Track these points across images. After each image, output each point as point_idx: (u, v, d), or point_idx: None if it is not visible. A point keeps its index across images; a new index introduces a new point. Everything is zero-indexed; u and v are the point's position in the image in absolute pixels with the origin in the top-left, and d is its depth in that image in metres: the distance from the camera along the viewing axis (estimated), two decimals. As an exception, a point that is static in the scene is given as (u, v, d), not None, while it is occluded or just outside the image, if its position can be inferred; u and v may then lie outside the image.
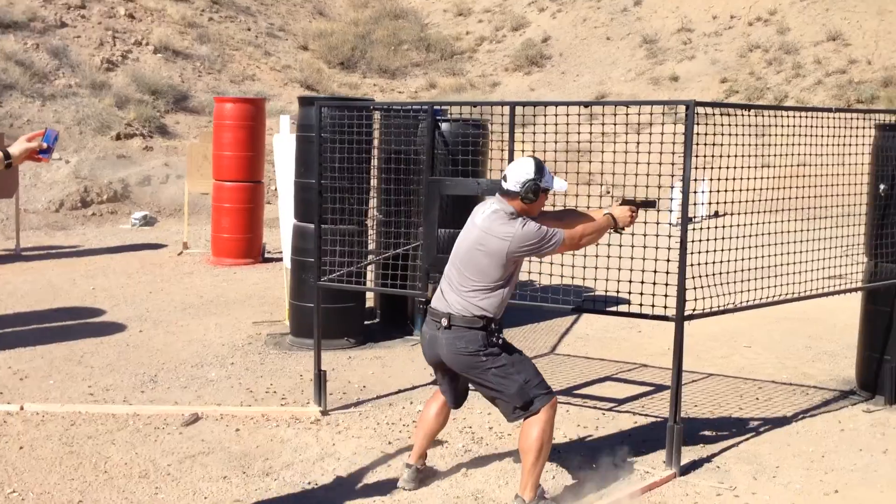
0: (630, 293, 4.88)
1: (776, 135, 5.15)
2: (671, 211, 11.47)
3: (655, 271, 4.76)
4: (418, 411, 5.58)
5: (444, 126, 6.96)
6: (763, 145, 5.10)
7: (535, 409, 4.05)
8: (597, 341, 7.49)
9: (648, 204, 4.47)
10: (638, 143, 4.93)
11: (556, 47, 25.23)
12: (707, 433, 5.25)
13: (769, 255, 5.22)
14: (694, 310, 4.75)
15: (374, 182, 7.23)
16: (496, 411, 5.29)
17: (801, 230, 5.55)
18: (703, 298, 4.77)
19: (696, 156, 4.54)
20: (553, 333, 7.69)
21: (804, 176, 5.46)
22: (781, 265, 5.19)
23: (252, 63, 21.77)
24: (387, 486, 4.45)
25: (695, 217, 12.50)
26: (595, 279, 4.95)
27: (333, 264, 5.86)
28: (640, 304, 4.81)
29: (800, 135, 5.25)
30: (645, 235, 4.69)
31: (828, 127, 5.40)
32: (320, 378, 5.53)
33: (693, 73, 21.97)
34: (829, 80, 19.87)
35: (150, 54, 19.45)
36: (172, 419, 5.34)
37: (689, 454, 4.84)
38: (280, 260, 9.40)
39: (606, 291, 4.94)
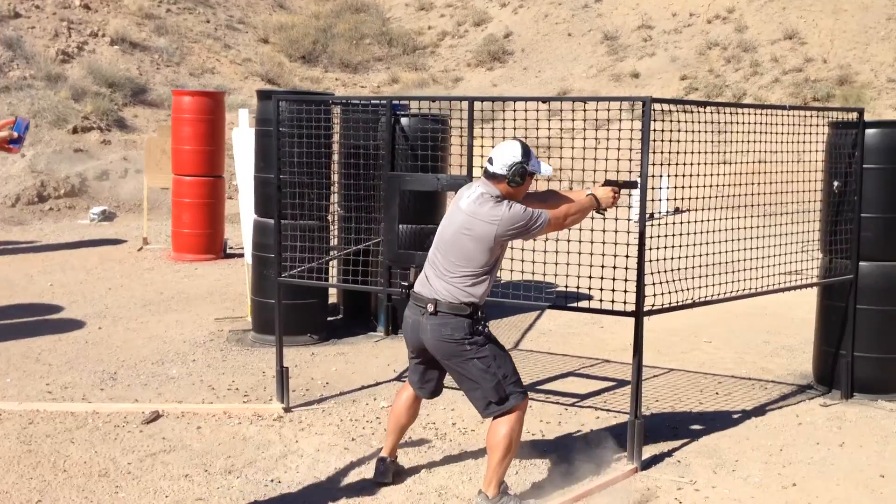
0: (590, 289, 4.92)
1: (734, 132, 5.22)
2: (630, 207, 11.58)
3: (615, 267, 4.81)
4: (382, 407, 5.58)
5: (404, 121, 6.95)
6: (722, 142, 5.17)
7: (509, 406, 4.04)
8: (559, 337, 7.53)
9: (630, 185, 4.50)
10: (596, 139, 4.98)
11: (517, 43, 25.31)
12: (668, 428, 5.31)
13: (728, 251, 5.29)
14: (654, 305, 4.80)
15: (334, 177, 7.21)
16: (459, 407, 5.32)
17: (759, 226, 5.64)
18: (663, 294, 4.83)
19: (654, 152, 4.58)
20: (516, 329, 7.72)
21: (762, 173, 5.54)
22: (740, 261, 5.28)
23: (212, 56, 21.56)
24: (351, 483, 4.45)
25: (656, 213, 12.65)
26: (556, 275, 4.98)
27: (294, 260, 5.84)
28: (601, 300, 4.86)
29: (757, 132, 5.33)
30: (604, 232, 4.73)
31: (784, 124, 5.49)
32: (283, 375, 5.51)
33: (653, 69, 22.17)
34: (786, 78, 20.16)
35: (106, 46, 19.17)
36: (133, 417, 5.28)
37: (650, 449, 4.89)
38: (242, 256, 9.34)
39: (567, 287, 4.98)
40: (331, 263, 7.31)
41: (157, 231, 12.35)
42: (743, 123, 5.22)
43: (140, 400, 5.64)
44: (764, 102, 18.68)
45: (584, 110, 5.01)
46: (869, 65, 19.62)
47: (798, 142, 5.63)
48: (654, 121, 4.58)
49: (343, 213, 7.36)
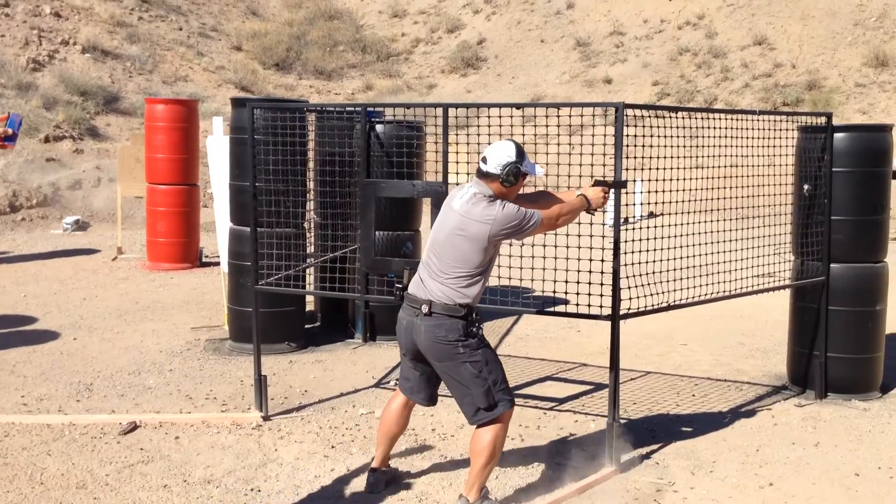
0: (567, 293, 4.96)
1: (706, 136, 5.29)
2: (605, 212, 11.64)
3: (591, 271, 4.85)
4: (361, 414, 5.59)
5: (379, 128, 6.97)
6: (694, 147, 5.23)
7: (496, 413, 4.05)
8: (537, 341, 7.57)
9: (620, 185, 4.54)
10: (570, 144, 5.02)
11: (491, 49, 25.39)
12: (646, 430, 5.36)
13: (702, 255, 5.35)
14: (629, 309, 4.85)
15: (310, 185, 7.20)
16: (438, 413, 5.34)
17: (733, 229, 5.71)
18: (639, 297, 4.88)
19: (628, 157, 4.63)
20: (493, 334, 7.75)
21: (734, 177, 5.61)
22: (714, 264, 5.34)
23: (184, 63, 21.45)
24: (330, 490, 4.45)
25: (630, 218, 12.73)
26: (532, 280, 5.02)
27: (271, 268, 5.83)
28: (577, 305, 4.90)
29: (729, 137, 5.40)
30: (579, 236, 4.77)
31: (755, 129, 5.56)
32: (261, 383, 5.49)
33: (626, 75, 22.32)
34: (756, 84, 20.37)
35: (77, 54, 19.02)
36: (110, 428, 5.25)
37: (628, 451, 4.93)
38: (218, 264, 9.30)
39: (544, 292, 5.01)
40: (308, 271, 7.30)
41: (131, 240, 12.27)
42: (715, 128, 5.29)
43: (117, 411, 5.61)
44: (735, 107, 18.88)
45: (559, 116, 5.05)
46: (837, 70, 19.88)
47: (769, 146, 5.70)
48: (628, 126, 4.64)
49: (319, 220, 7.36)
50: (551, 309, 5.15)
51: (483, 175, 4.06)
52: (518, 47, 25.05)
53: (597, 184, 4.45)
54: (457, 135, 5.23)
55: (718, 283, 5.33)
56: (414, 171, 6.78)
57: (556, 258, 4.93)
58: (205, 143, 8.87)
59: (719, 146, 5.31)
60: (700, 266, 5.26)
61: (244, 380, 6.24)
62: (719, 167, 5.47)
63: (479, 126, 5.17)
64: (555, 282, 4.92)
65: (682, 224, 5.18)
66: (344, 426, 5.39)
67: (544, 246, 4.86)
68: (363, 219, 5.33)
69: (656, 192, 5.22)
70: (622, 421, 4.93)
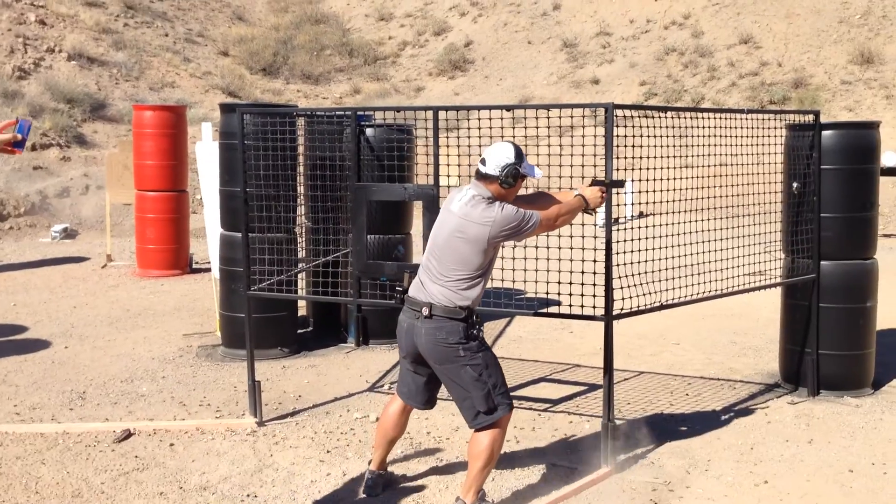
0: (560, 294, 4.97)
1: (695, 136, 5.31)
2: (595, 212, 11.66)
3: (583, 272, 4.86)
4: (355, 418, 5.58)
5: (369, 131, 6.97)
6: (683, 146, 5.25)
7: (496, 417, 4.06)
8: (530, 343, 7.58)
9: (618, 184, 4.55)
10: (560, 145, 5.03)
11: (478, 51, 25.41)
12: (640, 430, 5.37)
13: (693, 254, 5.37)
14: (622, 309, 4.86)
15: (301, 189, 7.19)
16: (433, 416, 5.34)
17: (723, 228, 5.73)
18: (631, 297, 4.89)
19: (618, 157, 4.64)
20: (486, 337, 7.72)
21: (724, 175, 5.64)
22: (705, 263, 5.36)
23: (171, 69, 21.39)
24: (327, 495, 4.45)
25: (621, 218, 12.76)
26: (525, 281, 5.02)
27: (263, 273, 5.82)
28: (570, 305, 4.90)
29: (718, 136, 5.42)
30: (571, 237, 4.79)
31: (743, 127, 5.58)
32: (255, 389, 5.48)
33: (613, 75, 22.37)
34: (743, 82, 20.45)
35: (63, 61, 18.95)
36: (104, 436, 5.23)
37: (623, 451, 4.94)
38: (209, 270, 9.28)
39: (536, 293, 5.01)
40: (300, 276, 7.30)
41: (120, 248, 12.23)
42: (703, 127, 5.31)
43: (111, 419, 5.59)
44: (722, 106, 18.95)
45: (548, 117, 5.07)
46: (823, 67, 19.98)
47: (757, 144, 5.73)
48: (617, 126, 4.65)
49: (311, 224, 7.35)
50: (545, 310, 5.16)
51: (482, 177, 4.08)
52: (505, 49, 25.08)
53: (594, 183, 4.46)
54: (447, 137, 5.23)
55: (710, 282, 5.35)
56: (405, 174, 6.79)
57: (548, 259, 4.94)
58: (193, 149, 8.85)
59: (708, 145, 5.33)
60: (691, 265, 5.28)
61: (237, 386, 6.22)
62: (708, 166, 5.49)
63: (469, 128, 5.19)
64: (547, 283, 4.93)
65: (672, 224, 5.20)
66: (339, 430, 5.38)
67: (536, 247, 4.87)
68: (354, 222, 5.33)
69: (646, 191, 5.24)
70: (617, 421, 4.94)
